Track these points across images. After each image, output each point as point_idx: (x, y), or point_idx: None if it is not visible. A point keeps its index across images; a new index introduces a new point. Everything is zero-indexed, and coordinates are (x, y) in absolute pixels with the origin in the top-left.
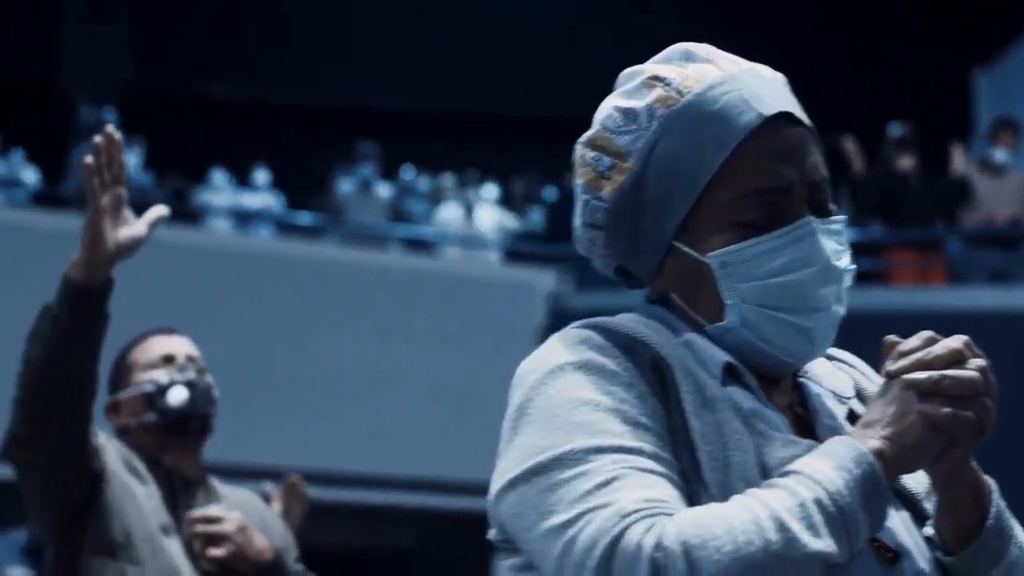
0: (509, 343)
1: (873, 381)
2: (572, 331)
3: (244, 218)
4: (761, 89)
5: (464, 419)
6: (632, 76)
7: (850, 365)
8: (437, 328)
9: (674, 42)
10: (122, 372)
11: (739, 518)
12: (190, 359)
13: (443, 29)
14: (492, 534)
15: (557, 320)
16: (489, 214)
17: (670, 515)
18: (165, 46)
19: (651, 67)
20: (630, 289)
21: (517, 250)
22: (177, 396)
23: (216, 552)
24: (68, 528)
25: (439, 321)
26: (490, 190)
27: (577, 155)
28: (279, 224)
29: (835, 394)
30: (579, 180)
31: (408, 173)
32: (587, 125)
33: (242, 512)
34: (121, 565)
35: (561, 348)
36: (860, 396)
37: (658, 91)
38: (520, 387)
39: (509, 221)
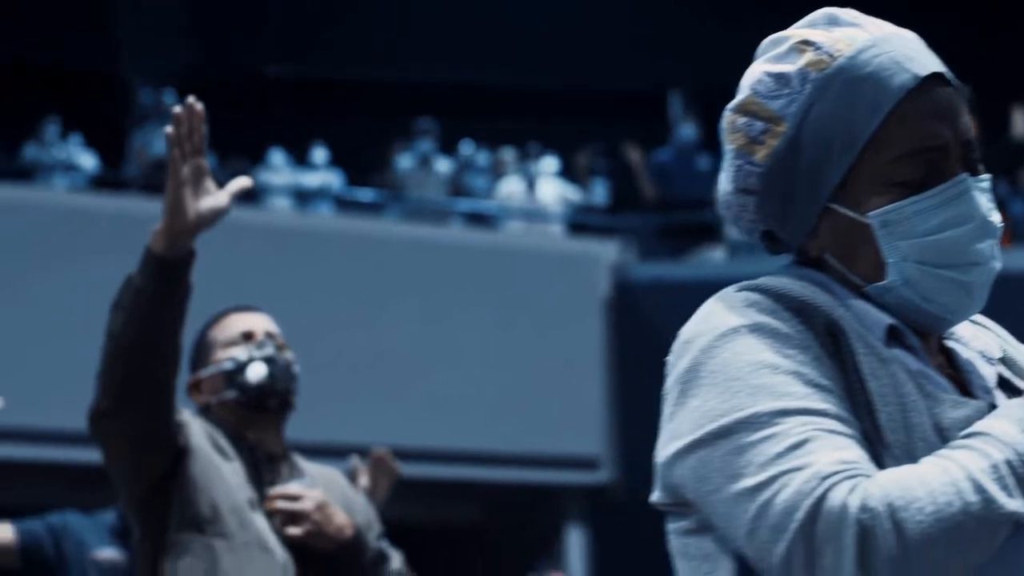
0: (573, 315)
1: (1011, 344)
2: (736, 294)
3: (304, 197)
4: (910, 51)
5: (528, 392)
6: (778, 42)
7: (989, 328)
8: (499, 301)
9: (738, 14)
10: (202, 350)
11: (937, 480)
12: (269, 335)
13: (501, 2)
14: (658, 497)
15: (620, 292)
16: (550, 187)
17: (868, 476)
18: (221, 28)
19: (798, 32)
20: (772, 255)
21: (579, 222)
22: (256, 373)
23: (294, 531)
24: (154, 504)
25: (501, 294)
26: (550, 163)
27: (726, 121)
28: (339, 202)
29: (983, 355)
30: (730, 146)
31: (467, 148)
32: (647, 98)
33: (324, 488)
34: (208, 539)
35: (729, 311)
36: (1004, 360)
37: (809, 55)
38: (687, 351)
39: (570, 194)
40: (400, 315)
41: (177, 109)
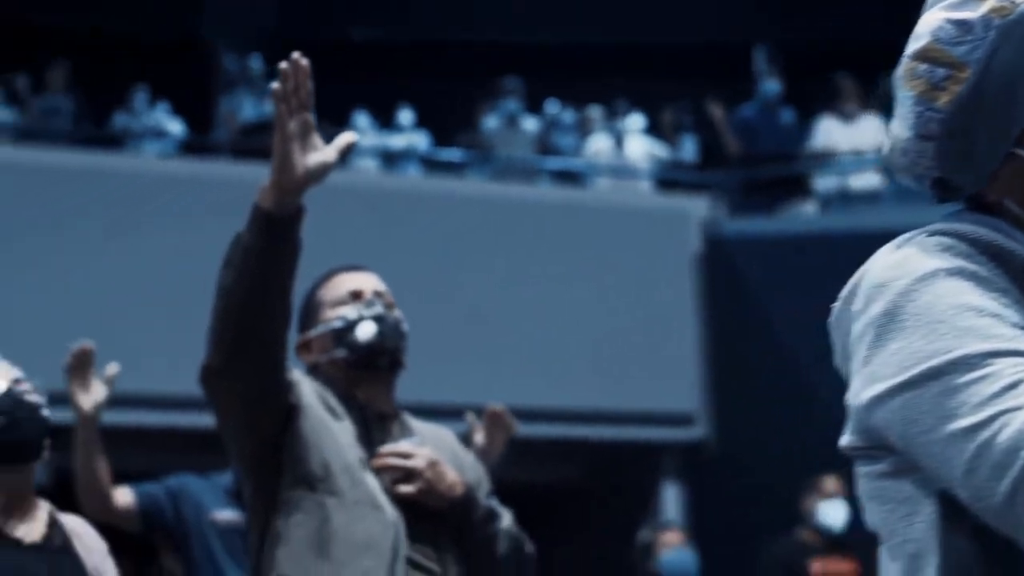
0: (664, 271)
1: None
2: (929, 239)
3: (390, 158)
4: None
5: (621, 349)
6: None
7: None
8: (590, 259)
9: None
10: (310, 310)
11: None
12: (378, 294)
13: None
14: (851, 441)
15: (712, 247)
16: (638, 144)
17: None
18: None
19: None
20: (941, 203)
21: (668, 179)
22: (366, 331)
23: (405, 488)
24: (265, 462)
25: (592, 252)
26: (637, 120)
27: (905, 69)
28: (426, 162)
29: None
30: (909, 93)
31: (553, 107)
32: (735, 53)
33: (434, 446)
34: (320, 497)
35: (926, 255)
36: None
37: (991, 2)
38: (882, 295)
39: (658, 151)
40: (491, 275)
41: (283, 65)
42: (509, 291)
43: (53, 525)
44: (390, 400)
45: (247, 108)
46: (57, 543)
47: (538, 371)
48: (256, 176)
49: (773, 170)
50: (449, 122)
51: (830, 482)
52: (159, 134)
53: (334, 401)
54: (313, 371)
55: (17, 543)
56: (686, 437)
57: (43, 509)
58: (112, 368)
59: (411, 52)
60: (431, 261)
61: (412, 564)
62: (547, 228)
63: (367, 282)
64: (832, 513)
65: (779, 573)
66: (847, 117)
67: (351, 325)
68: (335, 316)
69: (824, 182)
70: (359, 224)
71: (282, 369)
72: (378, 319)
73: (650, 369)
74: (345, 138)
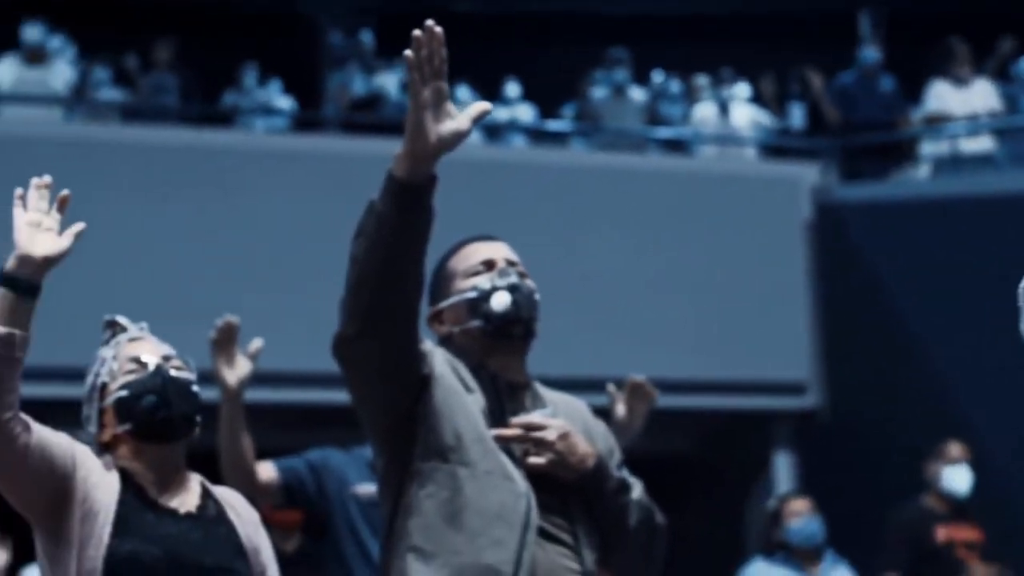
0: (776, 239)
1: None
2: None
3: (495, 130)
4: None
5: (733, 318)
6: None
7: None
8: (701, 227)
9: None
10: (442, 281)
11: None
12: (510, 263)
13: None
14: None
15: (823, 214)
16: (743, 112)
17: None
18: None
19: None
20: None
21: (776, 146)
22: (500, 301)
23: (536, 460)
24: (399, 433)
25: (703, 221)
26: (743, 88)
27: None
28: (532, 133)
29: None
30: None
31: (659, 76)
32: (840, 19)
33: (566, 417)
34: (452, 467)
35: None
36: None
37: None
38: None
39: (764, 118)
40: (602, 245)
41: (417, 33)
42: (623, 261)
43: (206, 496)
44: (522, 370)
45: (357, 83)
46: (211, 513)
47: (648, 341)
48: (365, 151)
49: (876, 137)
50: (556, 93)
51: (955, 447)
52: (269, 111)
53: (466, 372)
54: (445, 342)
55: (173, 512)
56: (798, 406)
57: (195, 481)
58: (256, 343)
59: (515, 23)
60: (541, 232)
61: (544, 534)
62: (656, 198)
63: (499, 251)
64: (957, 478)
65: (905, 540)
66: (960, 81)
67: (485, 295)
68: (468, 286)
69: (935, 147)
70: (463, 197)
71: (415, 339)
72: (512, 288)
73: (761, 337)
74: (479, 107)
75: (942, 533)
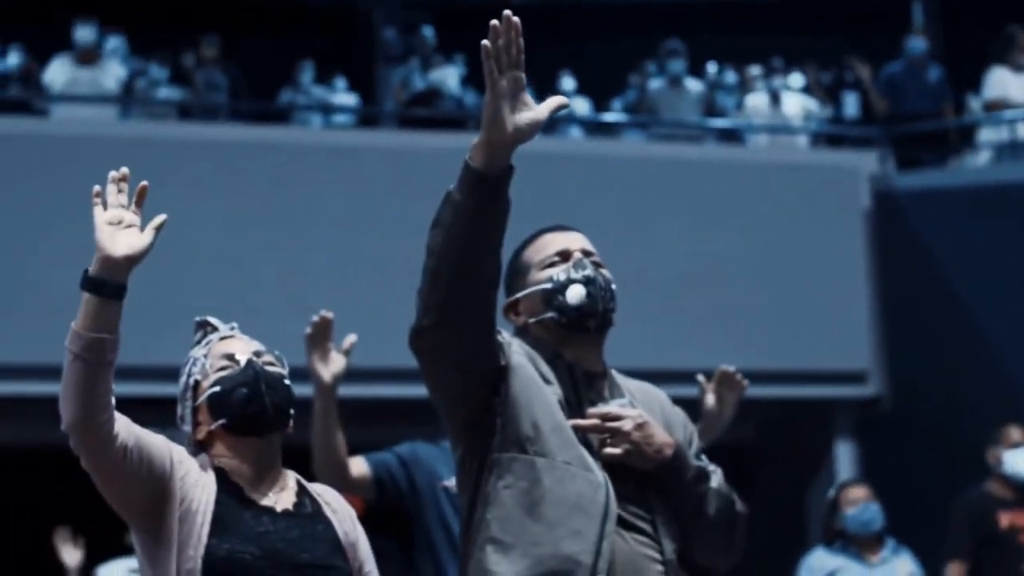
0: (834, 227)
1: None
2: None
3: (551, 123)
4: None
5: (794, 307)
6: None
7: None
8: (760, 217)
9: None
10: (517, 272)
11: None
12: (586, 253)
13: None
14: None
15: (881, 202)
16: (795, 101)
17: None
18: None
19: None
20: None
21: (832, 135)
22: (575, 294)
23: (613, 451)
24: (477, 423)
25: (762, 210)
26: (796, 78)
27: None
28: (588, 125)
29: None
30: None
31: (714, 67)
32: (890, 10)
33: (643, 405)
34: (531, 458)
35: None
36: None
37: None
38: None
39: (816, 108)
40: (660, 236)
41: (494, 22)
42: (678, 252)
43: (302, 493)
44: (599, 359)
45: (416, 79)
46: (308, 510)
47: (708, 331)
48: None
49: (926, 125)
50: (611, 85)
51: (1016, 431)
52: (327, 107)
53: (543, 363)
54: (521, 332)
55: (270, 510)
56: (859, 394)
57: (291, 478)
58: (350, 339)
59: (567, 16)
60: (596, 225)
61: (623, 524)
62: (713, 188)
63: (575, 242)
64: (1019, 462)
65: (967, 526)
66: (1019, 68)
67: (560, 288)
68: (543, 277)
69: (995, 133)
70: (519, 189)
71: (491, 329)
72: (587, 281)
73: (822, 326)
74: (556, 100)
75: (1005, 519)
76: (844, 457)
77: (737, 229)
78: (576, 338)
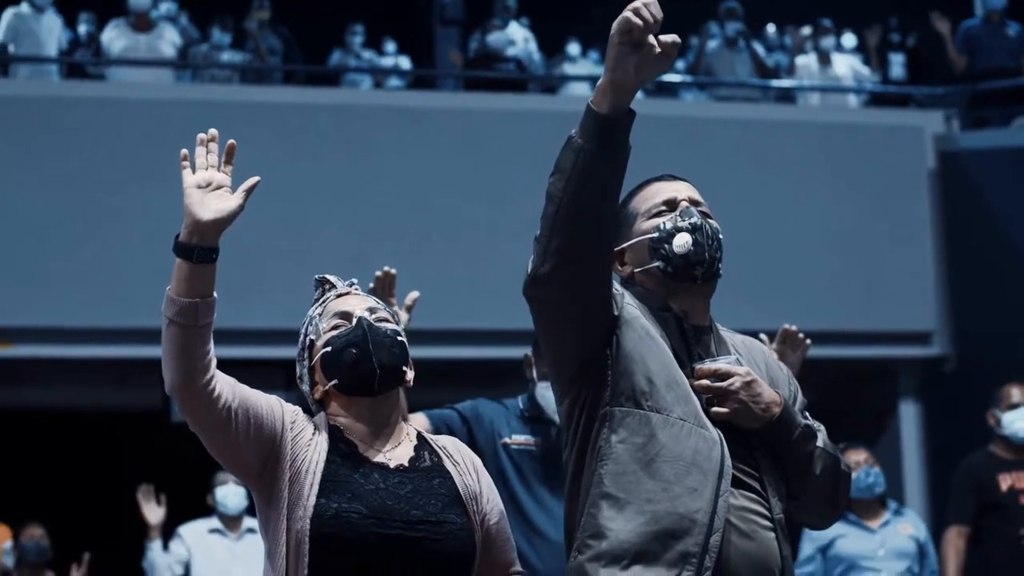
0: (900, 188)
1: None
2: None
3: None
4: None
5: (860, 267)
6: None
7: None
8: (824, 177)
9: None
10: (624, 221)
11: None
12: (693, 202)
13: None
14: None
15: (946, 162)
16: (844, 61)
17: None
18: None
19: None
20: None
21: (895, 95)
22: (682, 242)
23: (720, 411)
24: (588, 376)
25: (826, 170)
26: (849, 39)
27: None
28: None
29: None
30: None
31: (769, 28)
32: None
33: (749, 362)
34: (646, 413)
35: None
36: None
37: None
38: None
39: (862, 68)
40: (724, 196)
41: None
42: (743, 212)
43: (421, 448)
44: (706, 312)
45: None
46: (425, 463)
47: (773, 291)
48: (483, 106)
49: (1003, 83)
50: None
51: (1016, 390)
52: (379, 70)
53: (649, 316)
54: (627, 283)
55: (383, 466)
56: (924, 354)
57: (410, 433)
58: (413, 295)
59: None
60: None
61: (735, 482)
62: (774, 149)
63: (682, 190)
64: (1017, 421)
65: (968, 489)
66: None
67: (666, 236)
68: (650, 227)
69: None
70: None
71: (608, 279)
72: (694, 228)
73: (887, 286)
74: (669, 38)
75: (1005, 481)
76: (908, 417)
77: (802, 190)
78: (683, 288)
